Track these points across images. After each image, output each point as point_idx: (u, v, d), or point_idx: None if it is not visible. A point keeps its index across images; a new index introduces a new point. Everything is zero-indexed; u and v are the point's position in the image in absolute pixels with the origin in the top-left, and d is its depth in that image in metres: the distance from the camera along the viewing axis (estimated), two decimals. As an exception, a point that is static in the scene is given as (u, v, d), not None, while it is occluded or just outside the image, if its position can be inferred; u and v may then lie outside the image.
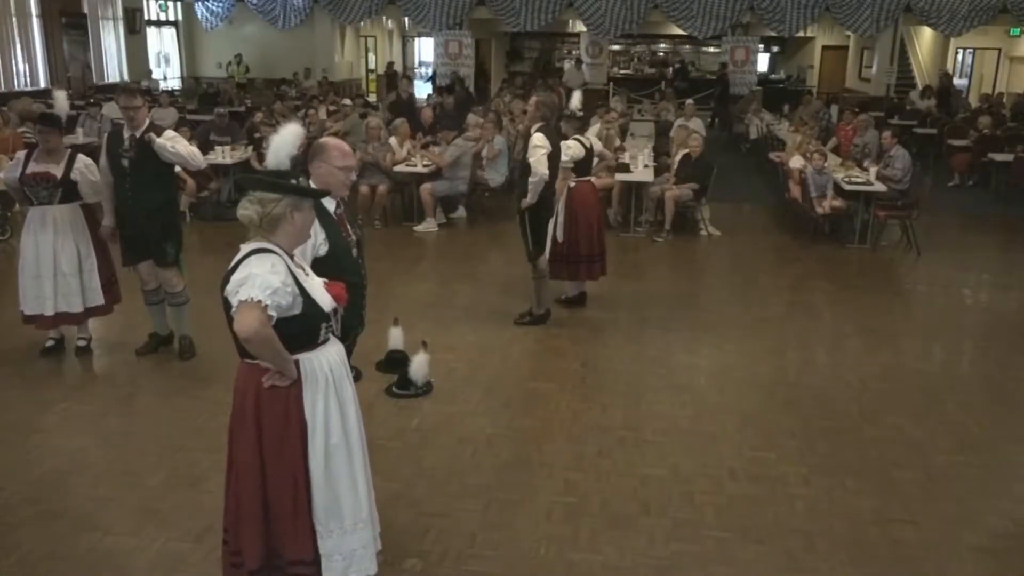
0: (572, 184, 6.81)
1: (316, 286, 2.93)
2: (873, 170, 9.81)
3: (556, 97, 18.50)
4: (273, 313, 2.74)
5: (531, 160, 6.20)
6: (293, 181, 2.98)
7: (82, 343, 5.95)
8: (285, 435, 2.91)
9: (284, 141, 3.09)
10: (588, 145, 6.86)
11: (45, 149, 5.53)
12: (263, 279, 2.72)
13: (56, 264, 5.57)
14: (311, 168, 3.70)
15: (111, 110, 13.19)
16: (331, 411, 2.97)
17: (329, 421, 2.97)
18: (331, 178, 3.67)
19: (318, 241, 3.49)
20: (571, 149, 6.70)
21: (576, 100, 7.15)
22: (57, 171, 5.50)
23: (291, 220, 2.85)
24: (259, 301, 2.69)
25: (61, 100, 6.65)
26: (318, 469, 2.96)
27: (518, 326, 6.57)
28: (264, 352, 2.81)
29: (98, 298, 5.76)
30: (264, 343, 2.75)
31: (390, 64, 23.69)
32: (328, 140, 3.85)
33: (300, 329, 2.87)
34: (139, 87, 5.51)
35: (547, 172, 6.21)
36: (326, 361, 2.99)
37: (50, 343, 5.91)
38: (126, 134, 5.44)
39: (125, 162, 5.42)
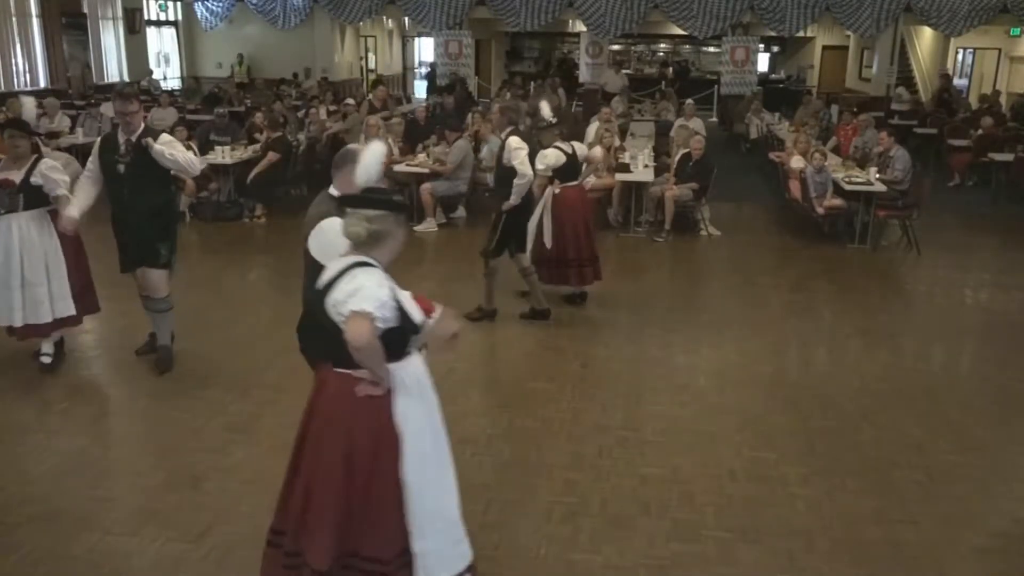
0: (556, 191, 6.82)
1: (407, 299, 2.99)
2: (873, 170, 9.81)
3: (557, 97, 18.52)
4: (380, 325, 2.82)
5: (515, 163, 6.27)
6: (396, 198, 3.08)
7: (47, 360, 5.61)
8: (378, 442, 2.99)
9: (373, 158, 3.14)
10: (570, 151, 6.88)
11: (12, 156, 5.32)
12: (373, 291, 2.80)
13: (23, 273, 5.35)
14: (342, 174, 3.67)
15: (111, 109, 13.20)
16: (421, 418, 3.06)
17: (420, 427, 3.05)
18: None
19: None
20: (548, 158, 6.72)
21: (546, 109, 7.17)
22: (17, 176, 5.30)
23: (394, 236, 2.97)
24: (369, 312, 2.76)
25: (29, 106, 6.45)
26: (411, 474, 3.02)
27: (472, 321, 6.53)
28: (370, 361, 2.87)
29: (68, 308, 5.52)
30: (373, 353, 2.83)
31: (378, 79, 23.68)
32: (358, 148, 3.84)
33: (394, 340, 2.93)
34: (135, 91, 5.44)
35: (532, 172, 6.30)
36: (414, 371, 3.08)
37: (46, 359, 5.64)
38: (121, 138, 5.28)
39: (121, 167, 5.26)
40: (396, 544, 3.04)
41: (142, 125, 5.31)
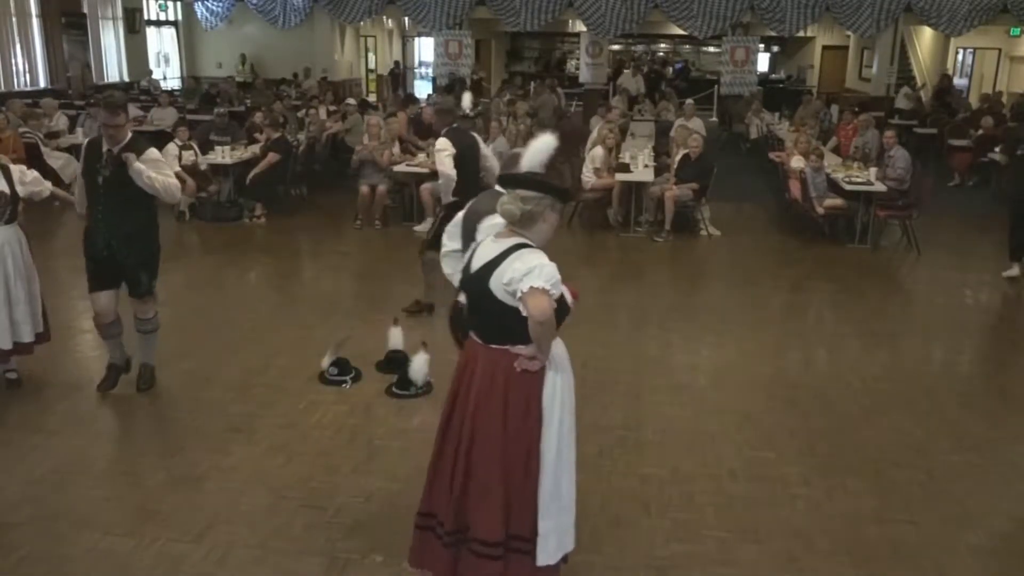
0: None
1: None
2: (874, 170, 9.81)
3: (556, 98, 18.47)
4: (555, 303, 2.94)
5: (436, 164, 6.48)
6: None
7: (12, 375, 5.37)
8: (525, 418, 3.09)
9: (542, 148, 3.29)
10: (469, 143, 6.90)
11: None
12: (548, 270, 2.93)
13: (9, 291, 5.10)
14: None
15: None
16: (564, 396, 3.15)
17: (562, 405, 3.14)
18: None
19: None
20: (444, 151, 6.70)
21: (467, 100, 7.22)
22: (6, 188, 5.07)
23: (545, 219, 3.07)
24: (547, 289, 2.89)
25: None
26: (549, 452, 3.11)
27: (410, 314, 6.58)
28: (546, 336, 2.98)
29: (40, 325, 5.32)
30: (551, 327, 2.96)
31: (397, 63, 23.88)
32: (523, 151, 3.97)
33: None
34: (124, 101, 5.10)
35: (453, 173, 6.40)
36: (561, 350, 3.18)
37: (12, 374, 5.38)
38: (104, 147, 4.91)
39: (100, 179, 4.90)
40: (532, 522, 3.13)
41: (128, 136, 4.95)
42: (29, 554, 3.71)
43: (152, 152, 4.96)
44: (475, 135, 7.04)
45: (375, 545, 3.80)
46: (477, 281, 3.06)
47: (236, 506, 4.10)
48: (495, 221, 3.18)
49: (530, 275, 2.89)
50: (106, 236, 4.98)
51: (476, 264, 3.09)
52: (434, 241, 6.53)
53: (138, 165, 4.80)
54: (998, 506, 4.27)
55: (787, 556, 3.80)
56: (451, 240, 4.10)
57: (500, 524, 3.10)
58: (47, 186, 5.40)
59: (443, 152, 6.44)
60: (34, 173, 5.37)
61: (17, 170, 5.24)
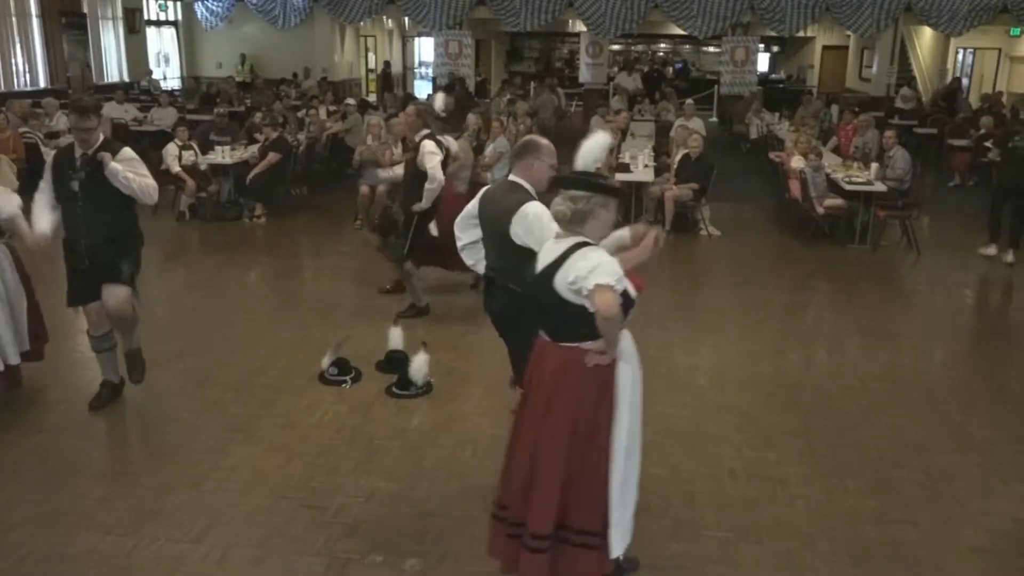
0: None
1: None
2: (875, 166, 9.81)
3: (556, 98, 18.47)
4: (620, 297, 3.03)
5: (428, 167, 6.37)
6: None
7: None
8: (597, 412, 3.16)
9: (595, 146, 3.43)
10: (445, 146, 6.93)
11: None
12: (612, 266, 3.05)
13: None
14: (521, 164, 3.94)
15: (110, 110, 13.20)
16: (633, 388, 3.24)
17: (632, 398, 3.23)
18: (540, 174, 3.94)
19: None
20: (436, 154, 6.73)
21: (439, 101, 7.20)
22: None
23: (596, 216, 3.15)
24: (612, 285, 2.99)
25: None
26: (620, 445, 3.19)
27: (407, 319, 6.54)
28: (614, 331, 3.08)
29: (25, 343, 5.11)
30: (618, 322, 3.05)
31: (387, 63, 23.86)
32: (540, 139, 4.08)
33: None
34: (94, 104, 4.83)
35: (443, 178, 6.43)
36: (628, 343, 3.27)
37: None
38: (77, 152, 4.75)
39: (75, 184, 4.70)
40: (603, 515, 3.20)
41: (100, 139, 4.78)
42: (29, 554, 3.72)
43: (127, 152, 4.81)
44: (445, 138, 7.06)
45: (375, 545, 3.80)
46: (542, 282, 3.17)
47: (236, 506, 4.10)
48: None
49: (594, 272, 2.99)
50: (88, 243, 4.79)
51: (540, 266, 3.20)
52: (411, 252, 6.59)
53: (114, 165, 4.67)
54: (998, 506, 4.27)
55: (787, 556, 3.81)
56: (464, 233, 4.18)
57: (552, 518, 3.17)
58: (14, 207, 4.92)
59: (436, 156, 6.41)
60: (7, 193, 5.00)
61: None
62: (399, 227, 6.65)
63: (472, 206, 4.18)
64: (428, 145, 6.45)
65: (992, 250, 9.00)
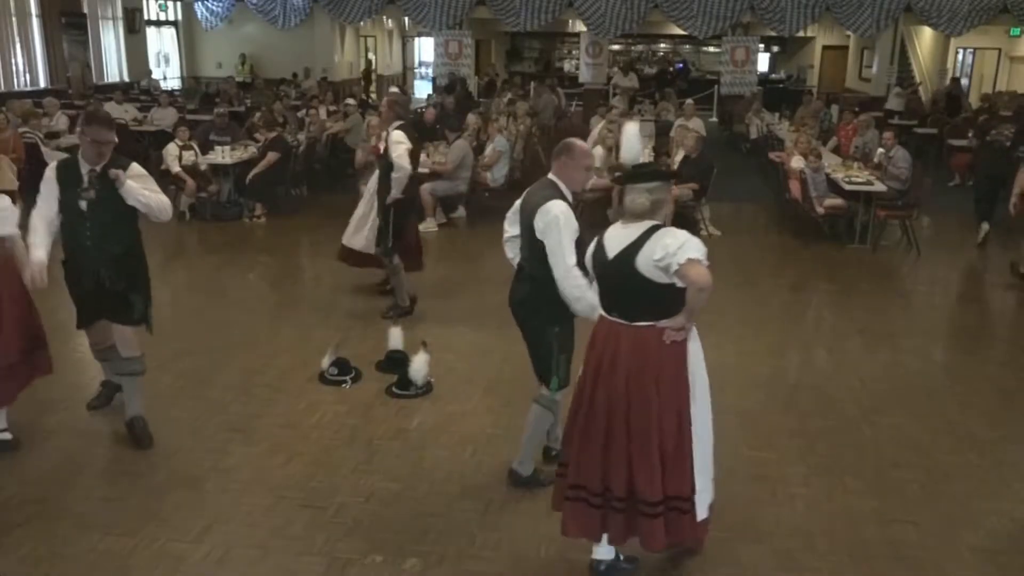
0: None
1: None
2: (880, 151, 9.83)
3: (556, 98, 18.48)
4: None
5: (393, 156, 6.31)
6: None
7: (6, 436, 4.63)
8: (675, 385, 3.34)
9: (634, 139, 3.63)
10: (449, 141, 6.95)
11: None
12: (697, 243, 3.20)
13: None
14: (557, 163, 4.05)
15: (109, 110, 13.19)
16: (702, 362, 3.43)
17: (702, 370, 3.43)
18: (576, 174, 4.06)
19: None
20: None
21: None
22: None
23: (668, 201, 3.39)
24: (701, 259, 3.17)
25: None
26: (698, 413, 3.39)
27: (389, 320, 6.50)
28: (704, 301, 3.21)
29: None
30: (709, 293, 3.19)
31: (369, 62, 23.79)
32: (575, 141, 4.16)
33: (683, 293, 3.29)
34: (112, 119, 4.63)
35: (410, 167, 6.37)
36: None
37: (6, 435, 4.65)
38: (84, 169, 4.38)
39: (84, 203, 4.36)
40: (689, 481, 3.38)
41: (110, 154, 4.43)
42: (29, 554, 3.72)
43: (136, 167, 4.52)
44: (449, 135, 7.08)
45: (375, 545, 3.80)
46: (619, 264, 3.30)
47: (236, 506, 4.11)
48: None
49: (683, 248, 3.16)
50: (94, 265, 4.48)
51: (612, 251, 3.34)
52: (396, 246, 6.57)
53: (130, 183, 4.37)
54: (998, 506, 4.27)
55: (787, 556, 3.81)
56: (511, 227, 4.25)
57: (660, 485, 3.34)
58: (10, 228, 4.52)
59: (402, 145, 6.32)
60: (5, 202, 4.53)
61: None
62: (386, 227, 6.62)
63: (518, 201, 4.26)
64: (395, 135, 6.37)
65: (985, 226, 9.50)
